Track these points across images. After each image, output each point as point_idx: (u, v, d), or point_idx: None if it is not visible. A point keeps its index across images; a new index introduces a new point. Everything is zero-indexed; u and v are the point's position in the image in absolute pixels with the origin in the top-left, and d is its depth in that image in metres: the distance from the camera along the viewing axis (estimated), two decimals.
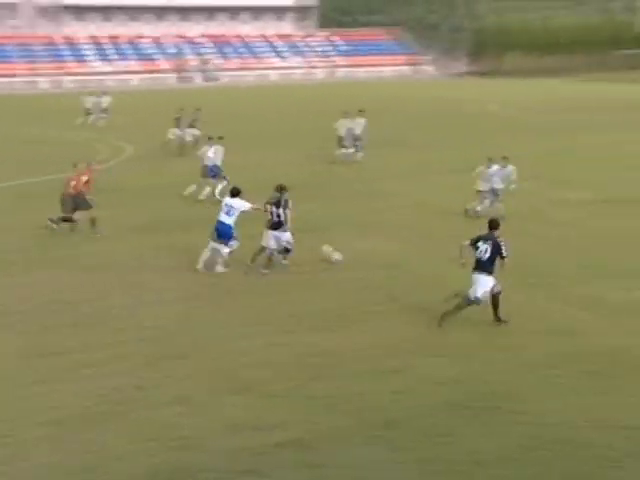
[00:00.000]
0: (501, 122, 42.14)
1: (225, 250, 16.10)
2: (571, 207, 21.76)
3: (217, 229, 16.17)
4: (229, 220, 16.11)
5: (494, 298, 13.17)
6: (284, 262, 16.45)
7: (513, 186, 21.03)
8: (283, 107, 52.87)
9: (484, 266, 13.05)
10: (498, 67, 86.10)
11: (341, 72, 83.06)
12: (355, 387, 10.85)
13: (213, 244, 16.17)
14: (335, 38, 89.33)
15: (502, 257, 13.09)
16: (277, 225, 16.06)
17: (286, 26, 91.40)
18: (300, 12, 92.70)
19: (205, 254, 16.16)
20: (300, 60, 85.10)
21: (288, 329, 13.03)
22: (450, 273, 15.69)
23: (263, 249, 16.23)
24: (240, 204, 16.24)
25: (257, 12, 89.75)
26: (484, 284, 13.01)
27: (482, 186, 20.82)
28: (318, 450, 9.30)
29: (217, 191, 22.51)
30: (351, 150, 29.49)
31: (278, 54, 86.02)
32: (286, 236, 16.13)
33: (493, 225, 13.51)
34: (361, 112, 29.86)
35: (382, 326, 13.15)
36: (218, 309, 14.15)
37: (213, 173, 22.96)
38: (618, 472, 8.89)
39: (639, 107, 49.47)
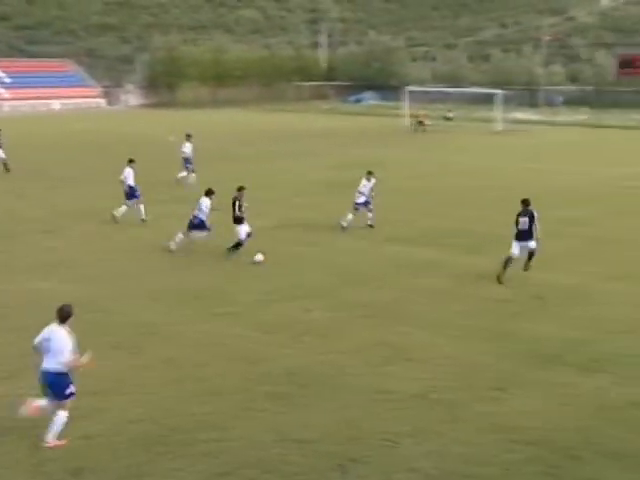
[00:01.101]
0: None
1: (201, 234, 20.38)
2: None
3: (192, 222, 20.26)
4: (200, 213, 20.18)
5: (531, 254, 18.05)
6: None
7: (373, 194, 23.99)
8: None
9: (525, 235, 17.69)
10: (172, 99, 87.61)
11: (6, 106, 78.90)
12: (42, 437, 10.44)
13: (188, 233, 20.40)
14: None
15: (535, 228, 17.58)
16: (235, 219, 20.00)
17: None
18: None
19: (178, 237, 20.36)
20: None
21: None
22: (146, 311, 15.76)
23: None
24: (203, 202, 20.25)
25: None
26: (533, 245, 17.81)
27: (358, 199, 23.56)
28: None
29: (120, 211, 24.31)
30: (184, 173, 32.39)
31: None
32: (238, 229, 19.95)
33: (526, 202, 17.91)
34: (189, 136, 32.50)
35: None
36: None
37: (130, 193, 24.50)
38: None
39: (324, 135, 53.28)
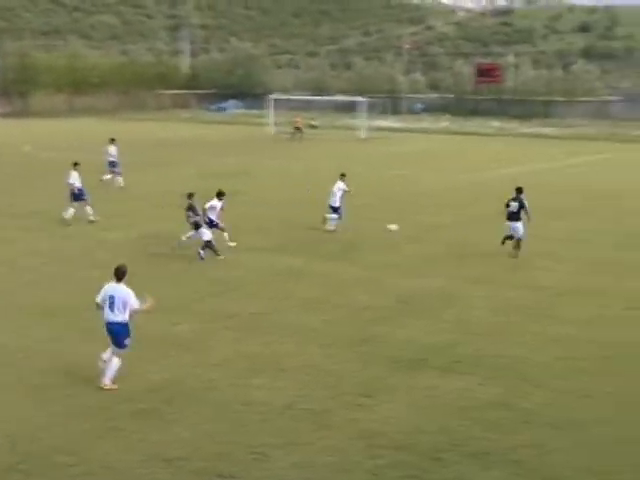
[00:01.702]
0: (41, 165, 41.43)
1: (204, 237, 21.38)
2: (113, 246, 22.33)
3: (206, 223, 21.61)
4: (212, 215, 21.63)
5: (518, 240, 21.78)
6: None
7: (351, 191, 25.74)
8: None
9: (515, 217, 21.54)
10: (26, 107, 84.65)
11: None
12: None
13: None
14: None
15: (526, 211, 21.49)
16: (194, 225, 21.38)
17: None
18: None
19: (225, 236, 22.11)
20: None
21: None
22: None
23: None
24: (215, 203, 21.76)
25: None
26: (520, 227, 21.60)
27: (332, 202, 25.18)
28: None
29: (69, 213, 25.57)
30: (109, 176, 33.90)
31: None
32: (199, 233, 21.19)
33: (520, 190, 21.79)
34: (113, 140, 34.82)
35: None
36: None
37: (78, 195, 25.93)
38: None
39: (187, 144, 52.66)
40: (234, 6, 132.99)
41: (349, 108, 72.59)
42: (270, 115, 67.06)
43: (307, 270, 20.31)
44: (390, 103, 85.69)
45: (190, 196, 21.57)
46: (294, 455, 10.45)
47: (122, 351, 12.37)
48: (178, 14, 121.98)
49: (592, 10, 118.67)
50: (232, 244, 22.17)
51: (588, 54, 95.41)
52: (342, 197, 25.29)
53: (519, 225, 21.69)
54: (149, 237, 23.79)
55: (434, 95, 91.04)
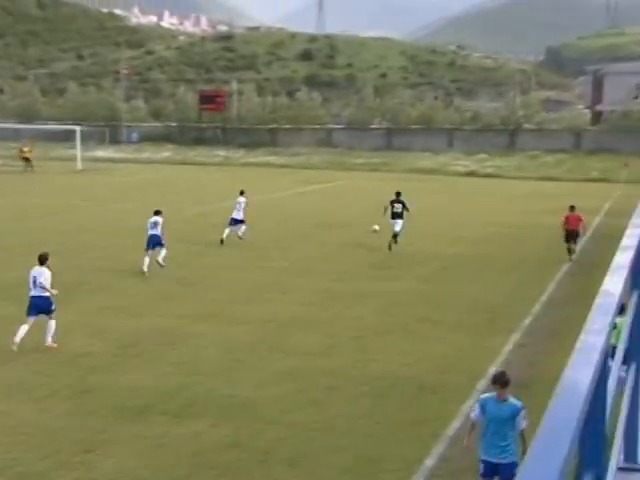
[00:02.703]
0: None
1: (163, 252, 24.27)
2: None
3: (151, 239, 24.09)
4: (156, 231, 24.15)
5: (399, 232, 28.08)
6: None
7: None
8: None
9: (399, 215, 27.88)
10: None
11: None
12: None
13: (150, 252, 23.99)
14: None
15: (407, 209, 28.12)
16: None
17: None
18: None
19: (146, 260, 23.68)
20: None
21: None
22: None
23: None
24: (159, 220, 24.36)
25: None
26: (401, 223, 27.90)
27: (236, 215, 29.23)
28: None
29: None
30: None
31: None
32: None
33: (399, 194, 28.39)
34: None
35: None
36: None
37: None
38: None
39: None
40: None
41: (64, 137, 70.48)
42: None
43: (18, 317, 19.17)
44: (109, 132, 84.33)
45: None
46: None
47: (54, 314, 16.33)
48: None
49: (313, 38, 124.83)
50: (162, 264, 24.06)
51: (311, 82, 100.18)
52: (244, 209, 29.21)
53: (400, 222, 27.99)
54: None
55: (157, 123, 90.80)
